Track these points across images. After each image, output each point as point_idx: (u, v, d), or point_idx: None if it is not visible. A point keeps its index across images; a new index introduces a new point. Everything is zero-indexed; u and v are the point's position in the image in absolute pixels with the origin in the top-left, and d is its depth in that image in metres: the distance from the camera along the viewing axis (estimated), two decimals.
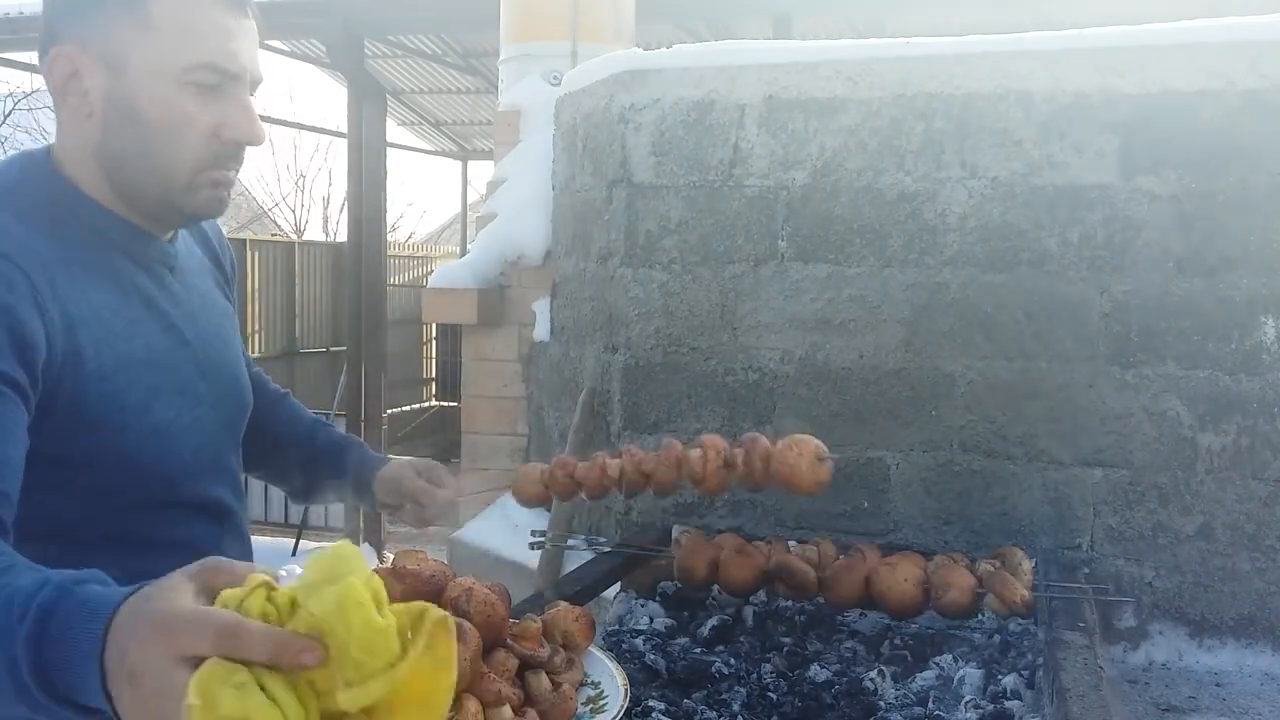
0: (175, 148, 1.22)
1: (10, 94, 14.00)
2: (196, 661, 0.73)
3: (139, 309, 1.28)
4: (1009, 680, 1.83)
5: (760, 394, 2.61)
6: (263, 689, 0.72)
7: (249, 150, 1.30)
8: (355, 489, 1.62)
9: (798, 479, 1.67)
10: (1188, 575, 2.32)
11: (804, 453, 1.69)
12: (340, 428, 2.09)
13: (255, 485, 7.80)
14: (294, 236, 18.69)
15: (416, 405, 13.15)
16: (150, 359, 1.26)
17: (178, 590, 0.78)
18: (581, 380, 3.03)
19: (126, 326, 1.24)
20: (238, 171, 1.29)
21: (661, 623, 2.12)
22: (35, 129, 13.24)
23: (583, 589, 1.97)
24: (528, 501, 1.80)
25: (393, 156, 12.33)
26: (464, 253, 5.90)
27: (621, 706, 1.25)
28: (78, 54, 1.21)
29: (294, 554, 7.80)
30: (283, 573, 0.84)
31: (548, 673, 1.27)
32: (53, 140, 1.30)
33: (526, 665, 1.26)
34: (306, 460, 1.63)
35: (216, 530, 1.37)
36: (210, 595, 0.79)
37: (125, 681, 0.76)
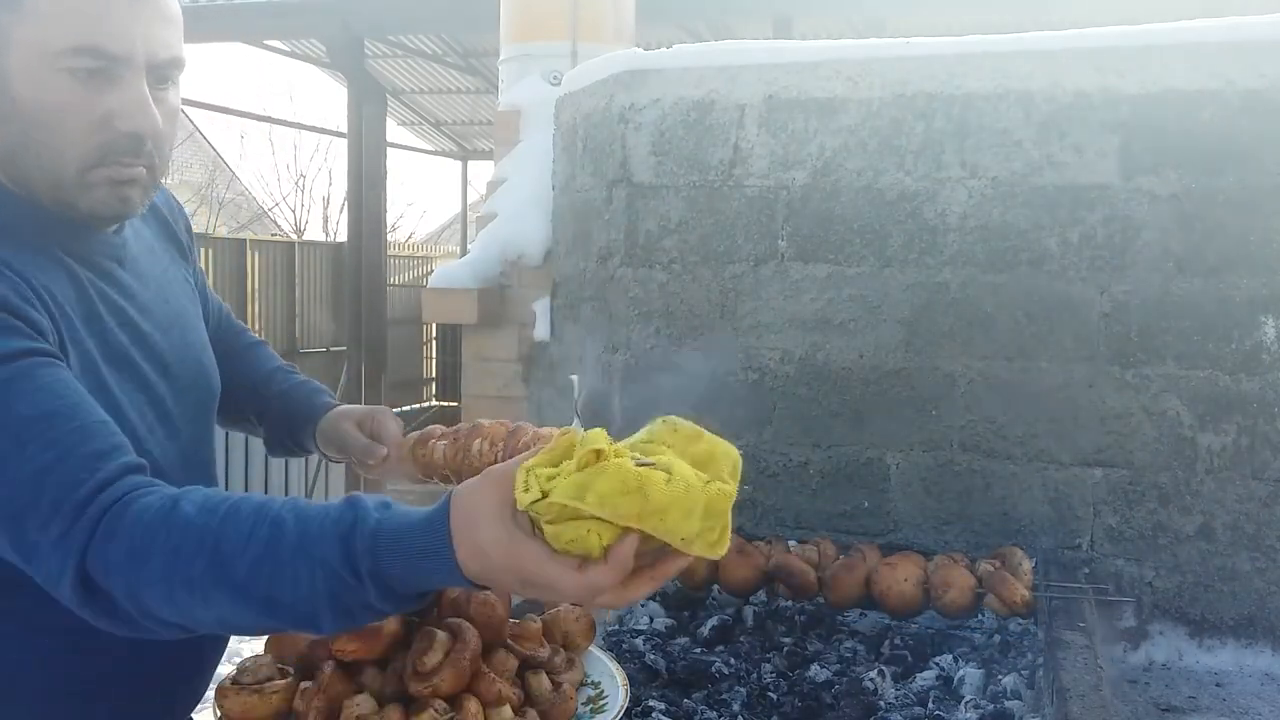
0: (56, 139, 1.10)
1: None
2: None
3: (94, 305, 1.18)
4: (1009, 680, 1.83)
5: (760, 394, 2.61)
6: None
7: (158, 142, 1.15)
8: (300, 438, 1.56)
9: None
10: (1188, 575, 2.32)
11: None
12: None
13: (256, 480, 7.80)
14: (294, 236, 18.64)
15: (416, 405, 13.14)
16: (111, 358, 1.18)
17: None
18: (582, 381, 3.02)
19: (85, 324, 1.16)
20: (150, 169, 1.16)
21: (661, 623, 2.12)
22: None
23: None
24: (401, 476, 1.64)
25: (393, 156, 12.35)
26: (464, 253, 5.90)
27: (621, 706, 1.25)
28: None
29: None
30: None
31: (548, 673, 1.27)
32: None
33: (526, 665, 1.27)
34: (261, 409, 1.56)
35: None
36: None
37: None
